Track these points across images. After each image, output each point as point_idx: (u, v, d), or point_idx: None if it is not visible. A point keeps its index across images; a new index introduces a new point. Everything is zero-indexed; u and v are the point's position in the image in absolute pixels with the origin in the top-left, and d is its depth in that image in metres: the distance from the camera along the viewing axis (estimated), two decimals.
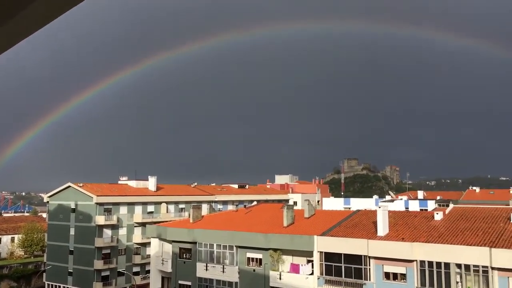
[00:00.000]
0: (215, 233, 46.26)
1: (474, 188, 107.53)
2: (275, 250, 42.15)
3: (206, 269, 45.52)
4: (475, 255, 32.20)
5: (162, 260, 49.74)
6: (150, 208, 76.18)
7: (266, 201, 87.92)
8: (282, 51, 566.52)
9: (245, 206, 75.97)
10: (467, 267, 32.40)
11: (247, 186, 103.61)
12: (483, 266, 31.82)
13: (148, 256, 65.93)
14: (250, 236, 43.79)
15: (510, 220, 36.34)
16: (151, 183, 79.83)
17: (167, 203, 78.39)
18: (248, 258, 44.14)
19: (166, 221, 64.99)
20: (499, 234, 34.13)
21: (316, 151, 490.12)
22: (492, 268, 31.56)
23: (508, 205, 61.40)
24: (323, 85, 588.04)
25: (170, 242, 49.57)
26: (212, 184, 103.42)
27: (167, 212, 77.67)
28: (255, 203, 67.45)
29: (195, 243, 46.94)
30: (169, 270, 48.71)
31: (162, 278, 50.62)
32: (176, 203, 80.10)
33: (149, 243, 59.99)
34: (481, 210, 41.12)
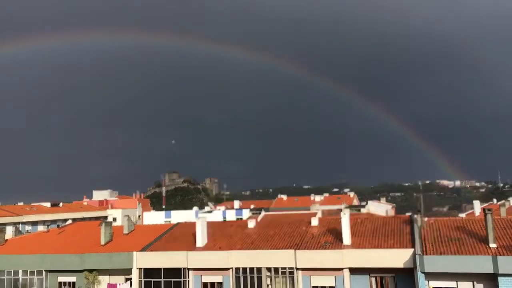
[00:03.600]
0: (21, 257, 41.92)
1: (282, 196, 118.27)
2: (90, 271, 40.04)
3: None
4: (282, 258, 35.46)
5: None
6: None
7: (83, 219, 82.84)
8: (95, 59, 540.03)
9: (58, 226, 70.30)
10: (276, 269, 35.47)
11: (61, 204, 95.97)
12: (289, 268, 35.21)
13: None
14: (63, 258, 40.83)
15: (311, 224, 41.03)
16: None
17: None
18: (60, 283, 41.01)
19: None
20: (302, 237, 38.26)
21: (136, 165, 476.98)
22: (297, 269, 35.12)
23: (310, 210, 69.12)
24: (143, 99, 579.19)
25: None
26: (19, 204, 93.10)
27: None
28: (70, 221, 63.04)
29: None
30: None
31: None
32: None
33: None
34: (287, 216, 45.55)
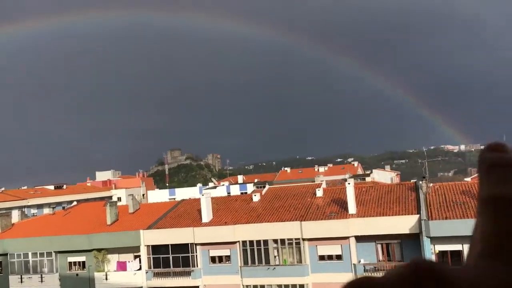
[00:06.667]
0: (29, 240, 42.28)
1: (286, 168, 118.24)
2: (99, 250, 40.42)
3: (21, 281, 41.35)
4: (289, 229, 35.72)
5: None
6: None
7: (87, 200, 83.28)
8: (96, 40, 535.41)
9: (63, 208, 70.73)
10: (282, 241, 35.77)
11: (64, 186, 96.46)
12: (295, 239, 35.51)
13: None
14: (71, 239, 41.17)
15: (316, 195, 41.10)
16: None
17: None
18: (70, 263, 41.53)
19: None
20: (307, 209, 38.40)
21: (138, 144, 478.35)
22: (303, 239, 35.43)
23: (314, 181, 69.28)
24: (143, 77, 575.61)
25: None
26: (23, 188, 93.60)
27: None
28: (75, 203, 63.38)
29: (6, 254, 42.20)
30: None
31: None
32: None
33: None
34: (292, 188, 45.58)
